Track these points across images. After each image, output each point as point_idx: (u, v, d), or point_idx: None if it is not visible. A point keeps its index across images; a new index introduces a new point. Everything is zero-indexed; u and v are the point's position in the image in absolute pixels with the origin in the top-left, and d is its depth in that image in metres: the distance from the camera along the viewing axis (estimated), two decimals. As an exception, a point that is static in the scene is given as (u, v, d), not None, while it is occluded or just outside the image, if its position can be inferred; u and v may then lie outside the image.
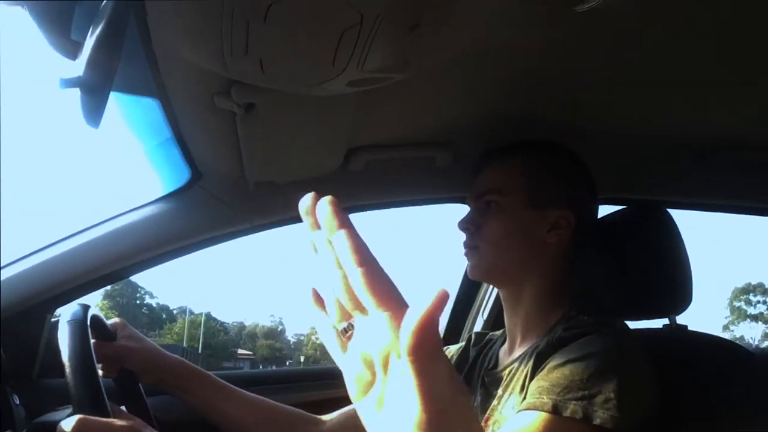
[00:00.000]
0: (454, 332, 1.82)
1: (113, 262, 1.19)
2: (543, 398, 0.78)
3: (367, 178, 1.22)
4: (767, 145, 1.17)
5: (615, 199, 1.33)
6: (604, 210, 1.22)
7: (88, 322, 0.90)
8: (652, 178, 1.32)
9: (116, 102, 1.01)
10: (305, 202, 0.45)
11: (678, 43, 0.84)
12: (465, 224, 1.03)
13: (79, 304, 0.94)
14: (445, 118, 1.07)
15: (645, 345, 0.85)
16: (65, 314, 0.91)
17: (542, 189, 0.99)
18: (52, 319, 1.25)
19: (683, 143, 1.18)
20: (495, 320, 1.69)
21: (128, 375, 1.06)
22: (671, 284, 1.00)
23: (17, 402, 0.98)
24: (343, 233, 0.42)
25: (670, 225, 1.05)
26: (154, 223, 1.20)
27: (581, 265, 1.06)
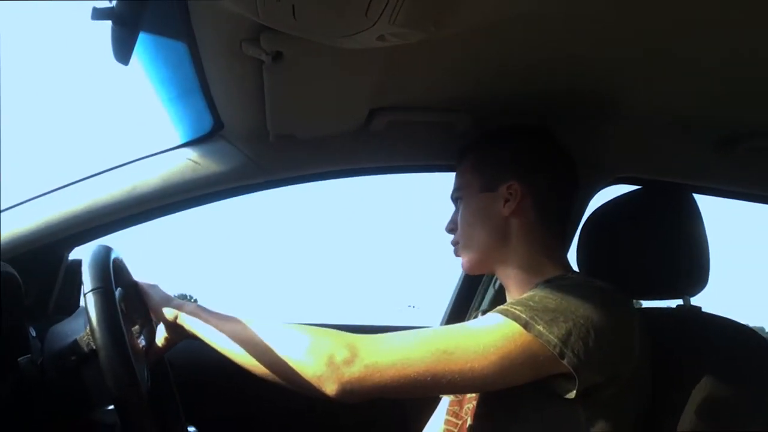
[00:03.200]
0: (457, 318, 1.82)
1: (132, 206, 1.19)
2: (507, 307, 0.84)
3: (388, 140, 1.22)
4: None
5: (637, 179, 1.32)
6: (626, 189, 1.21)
7: (111, 269, 0.87)
8: (675, 161, 1.30)
9: (143, 45, 1.00)
10: None
11: (706, 27, 0.81)
12: (448, 226, 1.11)
13: (101, 246, 0.91)
14: (468, 86, 1.06)
15: (657, 324, 0.85)
16: (88, 273, 0.85)
17: (489, 172, 1.05)
18: (70, 258, 1.27)
19: (706, 129, 1.17)
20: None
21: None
22: (688, 265, 1.00)
23: (33, 334, 1.00)
24: None
25: (691, 206, 1.04)
26: (173, 171, 1.20)
27: (598, 240, 1.05)
